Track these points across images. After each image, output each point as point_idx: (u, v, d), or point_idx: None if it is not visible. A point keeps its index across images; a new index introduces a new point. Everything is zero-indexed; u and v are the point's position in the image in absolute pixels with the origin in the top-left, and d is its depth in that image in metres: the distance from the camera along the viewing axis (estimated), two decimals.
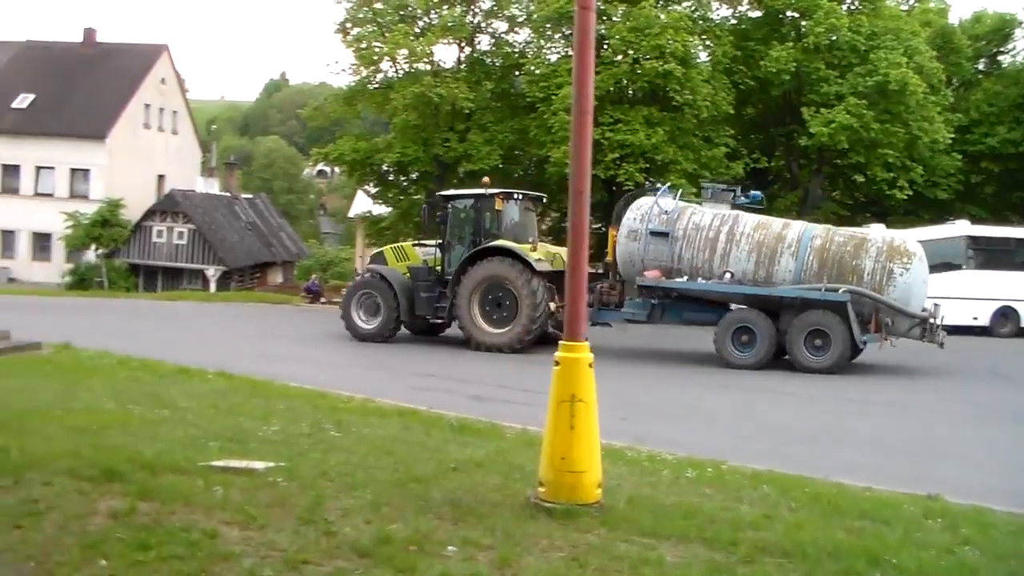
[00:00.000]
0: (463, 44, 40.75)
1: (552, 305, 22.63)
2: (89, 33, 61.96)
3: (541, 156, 36.96)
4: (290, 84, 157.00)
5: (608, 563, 6.35)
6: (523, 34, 41.21)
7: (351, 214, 56.52)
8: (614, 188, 35.66)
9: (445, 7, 39.67)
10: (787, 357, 21.75)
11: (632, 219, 23.28)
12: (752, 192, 25.83)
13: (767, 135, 42.08)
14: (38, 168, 55.38)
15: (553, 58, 38.47)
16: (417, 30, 39.27)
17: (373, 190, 44.37)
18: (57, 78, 57.24)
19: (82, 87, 56.76)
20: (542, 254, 23.76)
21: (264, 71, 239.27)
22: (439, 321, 24.44)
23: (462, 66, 40.49)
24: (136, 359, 17.25)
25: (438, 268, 24.37)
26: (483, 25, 41.11)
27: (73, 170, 55.21)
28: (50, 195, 55.36)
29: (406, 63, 39.02)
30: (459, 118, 39.11)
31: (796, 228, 22.60)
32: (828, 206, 40.03)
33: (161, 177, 60.02)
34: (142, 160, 57.63)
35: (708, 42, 38.30)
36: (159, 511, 6.97)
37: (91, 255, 53.96)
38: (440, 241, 24.74)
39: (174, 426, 10.52)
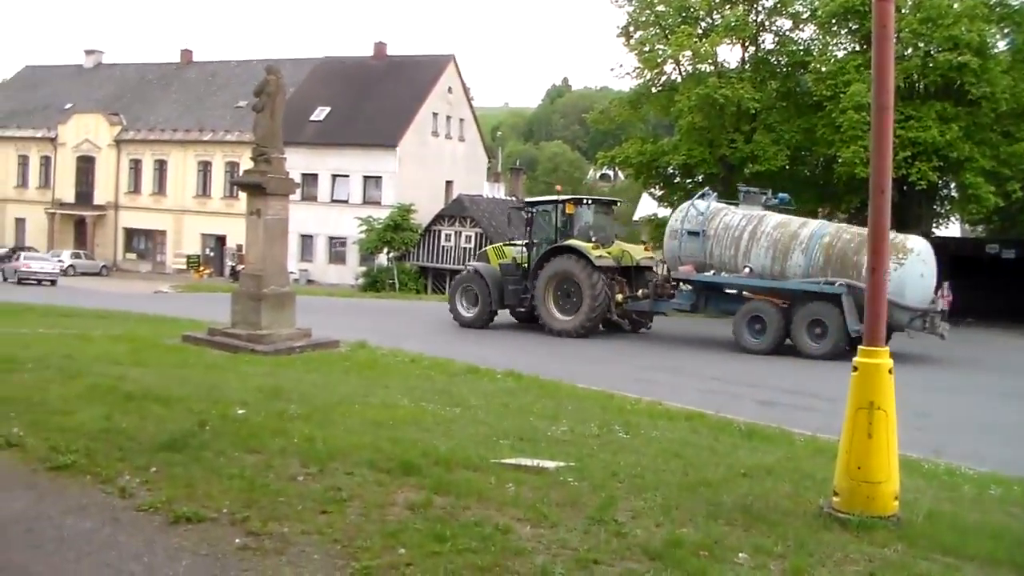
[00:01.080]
0: (746, 43, 40.02)
1: (619, 296, 26.10)
2: (379, 47, 65.08)
3: (829, 156, 35.66)
4: (572, 89, 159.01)
5: None
6: (808, 31, 40.07)
7: (635, 217, 56.49)
8: (905, 188, 33.94)
9: (727, 7, 39.08)
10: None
11: (674, 220, 27.03)
12: (780, 195, 28.13)
13: None
14: (334, 176, 58.60)
15: (840, 55, 37.14)
16: (700, 31, 38.88)
17: (658, 193, 44.24)
18: (351, 91, 60.47)
19: (374, 98, 59.66)
20: (614, 251, 26.91)
21: (546, 77, 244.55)
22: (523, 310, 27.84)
23: (746, 66, 39.77)
24: (427, 357, 17.85)
25: (524, 264, 27.59)
26: (766, 24, 40.24)
27: (366, 177, 58.05)
28: (345, 201, 58.42)
29: (690, 65, 38.72)
30: (744, 119, 38.42)
31: (811, 227, 25.00)
32: None
33: (449, 183, 62.17)
34: (431, 166, 59.89)
35: (1007, 30, 35.78)
36: (454, 505, 7.07)
37: (383, 258, 56.53)
38: (525, 241, 28.25)
39: (466, 423, 10.73)
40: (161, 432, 9.02)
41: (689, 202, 27.29)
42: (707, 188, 30.49)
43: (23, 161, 68.14)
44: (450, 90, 63.44)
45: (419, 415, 11.00)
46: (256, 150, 19.15)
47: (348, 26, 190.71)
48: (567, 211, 27.40)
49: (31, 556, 6.12)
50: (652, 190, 45.34)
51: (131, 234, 64.02)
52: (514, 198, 65.86)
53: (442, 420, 10.82)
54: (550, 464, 8.49)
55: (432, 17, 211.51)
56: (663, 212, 43.56)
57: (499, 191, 66.75)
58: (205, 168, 61.66)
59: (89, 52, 72.85)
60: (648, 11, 39.57)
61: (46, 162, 66.99)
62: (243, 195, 20.23)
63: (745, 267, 24.74)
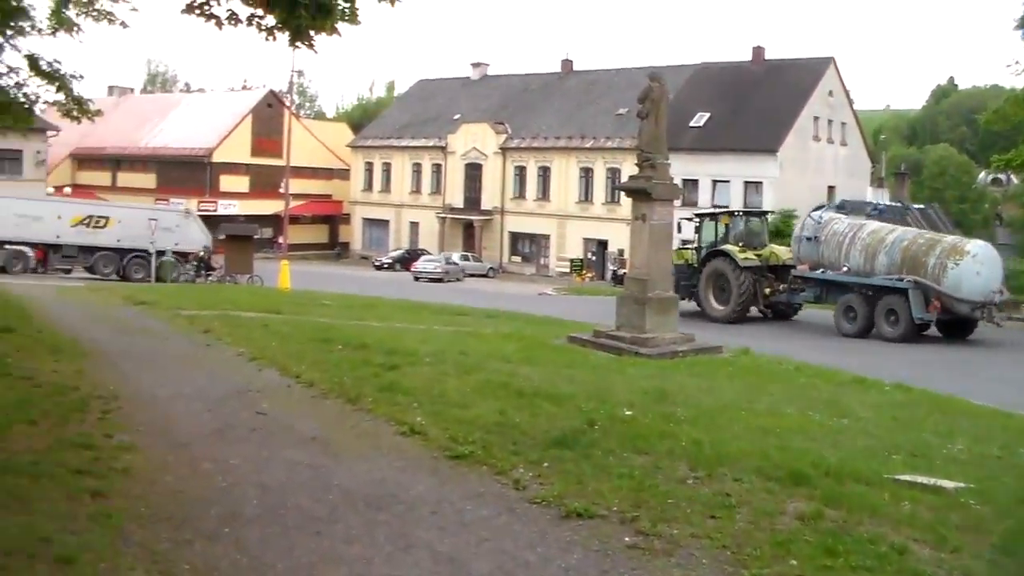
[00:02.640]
0: None
1: (767, 291, 31.56)
2: (757, 51, 63.95)
3: None
4: (959, 89, 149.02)
5: None
6: None
7: None
8: None
9: None
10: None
11: (797, 228, 33.57)
12: (880, 206, 34.07)
13: None
14: (714, 182, 58.23)
15: None
16: None
17: None
18: (729, 96, 59.85)
19: (753, 103, 58.77)
20: (764, 253, 32.22)
21: (930, 77, 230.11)
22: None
23: None
24: (812, 367, 17.28)
25: (693, 264, 32.88)
26: None
27: (746, 183, 57.25)
28: (726, 207, 57.97)
29: None
30: None
31: (896, 233, 29.21)
32: None
33: (831, 188, 60.15)
34: (812, 171, 58.21)
35: None
36: (845, 519, 6.82)
37: None
38: (695, 245, 33.71)
39: (854, 435, 10.30)
40: (552, 429, 9.34)
41: (808, 214, 33.26)
42: (840, 200, 37.27)
43: (417, 169, 72.93)
44: (831, 93, 61.27)
45: (806, 424, 10.69)
46: (641, 156, 19.31)
47: (725, 32, 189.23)
48: (724, 221, 33.57)
49: (436, 536, 6.54)
50: None
51: (516, 238, 66.84)
52: (899, 204, 62.63)
53: (830, 430, 10.46)
54: (948, 484, 7.97)
55: (810, 20, 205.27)
56: None
57: (883, 196, 63.46)
58: (587, 174, 63.19)
59: (475, 65, 76.81)
60: None
61: (437, 169, 71.30)
62: (626, 201, 20.53)
63: (844, 266, 29.69)
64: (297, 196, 62.58)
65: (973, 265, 26.93)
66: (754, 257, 31.62)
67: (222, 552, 5.98)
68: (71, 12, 20.05)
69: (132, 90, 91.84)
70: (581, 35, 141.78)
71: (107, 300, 23.70)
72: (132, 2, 18.64)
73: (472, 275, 59.02)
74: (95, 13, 19.97)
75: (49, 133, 53.13)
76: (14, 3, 17.87)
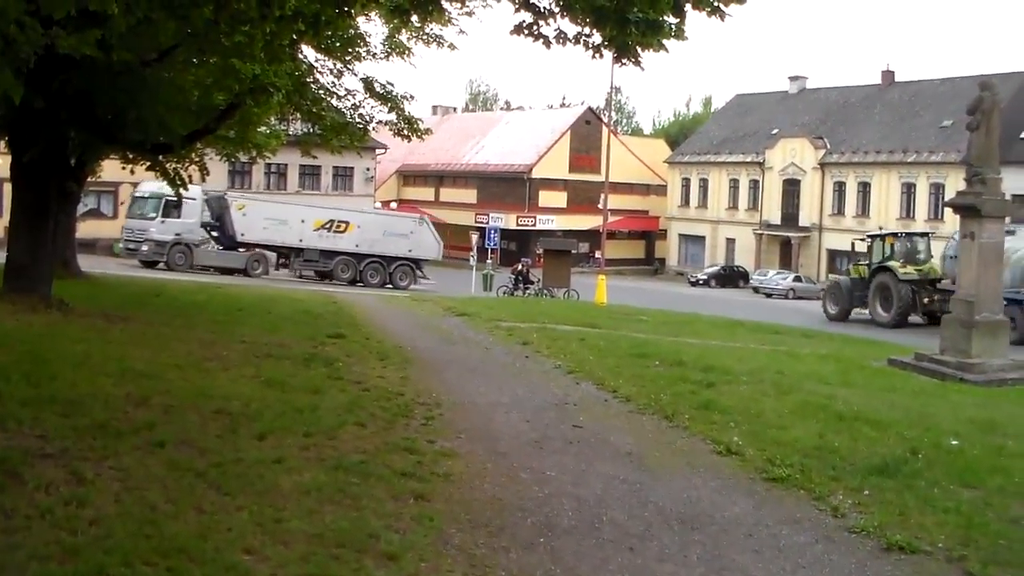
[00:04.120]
0: None
1: (926, 300, 36.28)
2: None
3: None
4: None
5: None
6: None
7: None
8: None
9: None
10: None
11: (945, 247, 36.28)
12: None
13: None
14: None
15: None
16: None
17: None
18: None
19: None
20: (925, 268, 37.74)
21: None
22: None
23: None
24: None
25: (865, 278, 39.18)
26: None
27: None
28: None
29: None
30: None
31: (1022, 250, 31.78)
32: None
33: None
34: None
35: None
36: None
37: None
38: (867, 262, 39.93)
39: None
40: (872, 455, 8.96)
41: (952, 235, 34.28)
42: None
43: (734, 184, 71.90)
44: None
45: None
46: (970, 170, 18.37)
47: None
48: (888, 242, 39.61)
49: (751, 559, 6.35)
50: None
51: (834, 255, 64.49)
52: None
53: None
54: None
55: None
56: None
57: None
58: (908, 190, 60.17)
59: (793, 78, 74.85)
60: None
61: (754, 185, 70.01)
62: (950, 218, 19.45)
63: None
64: (614, 211, 63.31)
65: None
66: (914, 272, 37.37)
67: (537, 561, 6.03)
68: (404, 37, 21.31)
69: (454, 109, 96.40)
70: (903, 44, 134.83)
71: (429, 310, 24.83)
72: (460, 25, 19.57)
73: (801, 298, 56.79)
74: (425, 37, 21.14)
75: (378, 151, 56.70)
76: (352, 31, 19.19)
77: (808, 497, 7.65)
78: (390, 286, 42.87)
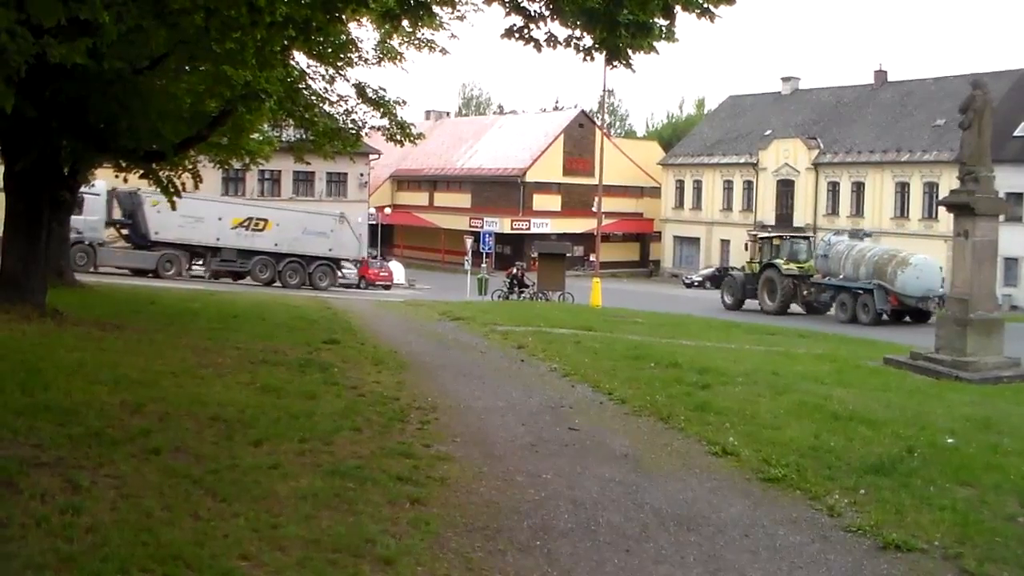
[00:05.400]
0: None
1: (805, 293, 42.33)
2: None
3: None
4: None
5: None
6: None
7: None
8: None
9: None
10: None
11: (817, 248, 44.63)
12: (864, 231, 46.35)
13: None
14: None
15: None
16: None
17: None
18: None
19: None
20: (805, 266, 43.06)
21: None
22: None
23: None
24: None
25: (755, 273, 44.85)
26: None
27: None
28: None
29: None
30: None
31: (874, 249, 40.68)
32: None
33: None
34: None
35: None
36: None
37: None
38: (758, 260, 45.71)
39: None
40: (868, 454, 9.00)
41: (822, 237, 44.66)
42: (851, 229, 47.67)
43: (727, 186, 71.90)
44: None
45: None
46: (962, 169, 18.46)
47: None
48: (775, 242, 45.40)
49: (747, 560, 6.38)
50: None
51: None
52: None
53: None
54: None
55: None
56: None
57: None
58: (902, 189, 60.19)
59: (786, 79, 74.77)
60: None
61: (748, 186, 69.96)
62: (943, 217, 19.50)
63: (840, 275, 40.08)
64: (608, 214, 63.30)
65: (914, 272, 37.36)
66: (795, 268, 43.10)
67: (534, 564, 6.04)
68: (395, 42, 21.31)
69: (448, 113, 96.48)
70: (895, 44, 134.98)
71: (424, 315, 24.83)
72: (452, 29, 19.55)
73: None
74: (417, 42, 21.14)
75: (372, 156, 56.58)
76: (344, 37, 19.18)
77: (804, 497, 7.68)
78: (308, 287, 42.03)
